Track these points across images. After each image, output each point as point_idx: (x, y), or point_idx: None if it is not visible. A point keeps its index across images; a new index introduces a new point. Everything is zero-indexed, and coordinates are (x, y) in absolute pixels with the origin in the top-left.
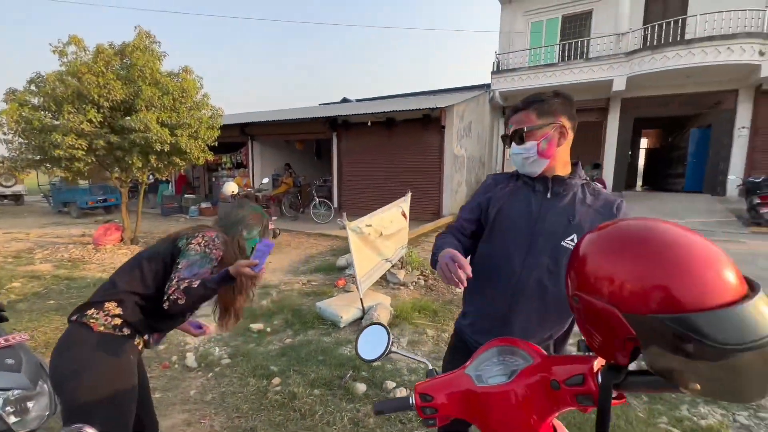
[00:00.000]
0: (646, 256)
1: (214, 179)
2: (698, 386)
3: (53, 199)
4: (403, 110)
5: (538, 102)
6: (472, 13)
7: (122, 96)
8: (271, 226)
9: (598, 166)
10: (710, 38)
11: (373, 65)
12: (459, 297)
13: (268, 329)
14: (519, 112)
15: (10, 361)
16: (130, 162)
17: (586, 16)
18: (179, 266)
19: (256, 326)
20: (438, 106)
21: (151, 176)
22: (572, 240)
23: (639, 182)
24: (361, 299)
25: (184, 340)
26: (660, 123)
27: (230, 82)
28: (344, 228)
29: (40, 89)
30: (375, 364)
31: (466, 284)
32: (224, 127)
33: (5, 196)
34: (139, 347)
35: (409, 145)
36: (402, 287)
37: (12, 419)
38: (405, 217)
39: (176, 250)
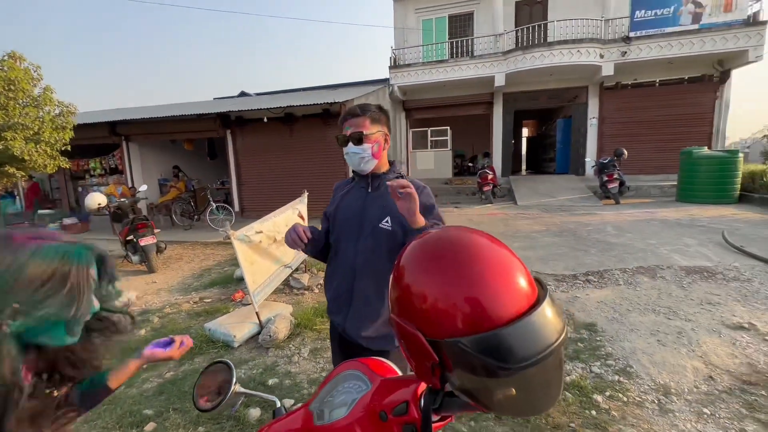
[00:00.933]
0: (436, 278)
1: (81, 189)
2: (503, 405)
3: None
4: (301, 105)
5: (371, 111)
6: (369, 7)
7: None
8: (151, 240)
9: (488, 154)
10: (565, 41)
11: (274, 58)
12: None
13: (145, 366)
14: (356, 117)
15: None
16: None
17: (469, 16)
18: None
19: None
20: (337, 101)
21: None
22: (387, 222)
23: (524, 167)
24: (256, 313)
25: None
26: (536, 114)
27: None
28: (228, 238)
29: None
30: (272, 383)
31: (304, 246)
32: (89, 127)
33: None
34: None
35: (310, 141)
36: (306, 291)
37: None
38: (303, 219)
39: None
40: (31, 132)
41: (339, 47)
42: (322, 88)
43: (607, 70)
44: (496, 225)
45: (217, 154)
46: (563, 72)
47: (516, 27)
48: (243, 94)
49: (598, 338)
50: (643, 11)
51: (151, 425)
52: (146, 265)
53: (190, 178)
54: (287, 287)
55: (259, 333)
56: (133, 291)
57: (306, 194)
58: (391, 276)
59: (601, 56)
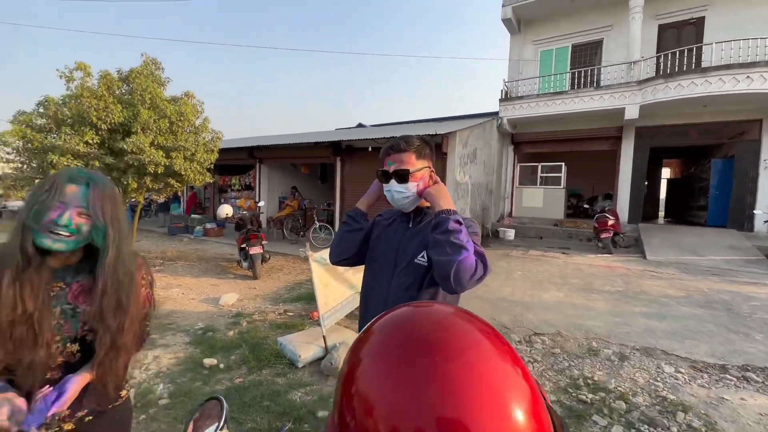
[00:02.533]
0: (385, 379)
1: (222, 200)
2: None
3: None
4: (403, 136)
5: (416, 145)
6: (483, 43)
7: (120, 119)
8: (258, 250)
9: (610, 196)
10: (727, 66)
11: (392, 92)
12: None
13: (221, 365)
14: (400, 153)
15: None
16: (125, 183)
17: (597, 44)
18: None
19: (210, 361)
20: (439, 133)
21: (149, 196)
22: (423, 257)
23: (661, 214)
24: (323, 336)
25: (128, 374)
26: (681, 153)
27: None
28: (306, 258)
29: (46, 111)
30: (321, 416)
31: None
32: (233, 151)
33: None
34: None
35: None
36: None
37: None
38: None
39: None
40: (189, 153)
41: (454, 82)
42: (430, 121)
43: None
44: (613, 281)
45: (327, 179)
46: (724, 102)
47: (658, 53)
48: (360, 125)
49: None
50: None
51: None
52: (252, 272)
53: (304, 198)
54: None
55: (323, 357)
56: (235, 293)
57: None
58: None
59: None
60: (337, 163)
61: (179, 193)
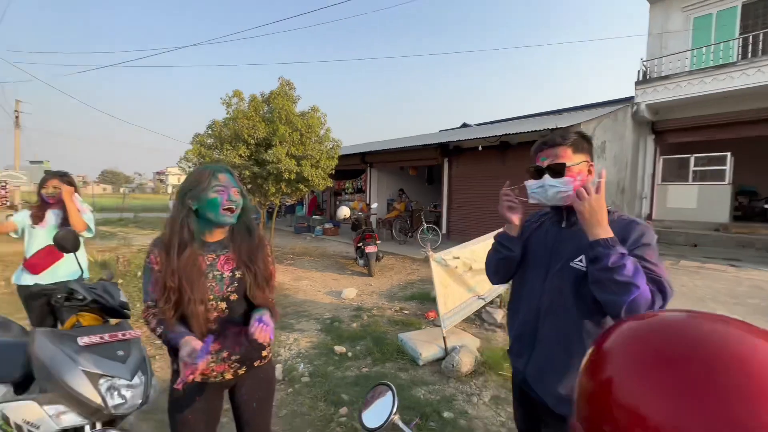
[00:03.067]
0: (667, 397)
1: (337, 203)
2: None
3: None
4: (517, 133)
5: (572, 139)
6: (605, 20)
7: (264, 134)
8: (373, 249)
9: None
10: None
11: (494, 89)
12: None
13: (350, 354)
14: (555, 147)
15: (120, 352)
16: (266, 188)
17: None
18: None
19: (339, 349)
20: (558, 126)
21: (284, 199)
22: (580, 261)
23: None
24: (443, 337)
25: (276, 351)
26: None
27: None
28: (427, 259)
29: (213, 132)
30: (447, 416)
31: (515, 203)
32: (347, 157)
33: None
34: (188, 380)
35: (524, 170)
36: (498, 329)
37: (111, 402)
38: None
39: None
40: (315, 160)
41: (571, 70)
42: (542, 115)
43: None
44: None
45: (434, 180)
46: None
47: None
48: (464, 125)
49: None
50: None
51: (344, 409)
52: (367, 269)
53: (410, 200)
54: (479, 319)
55: (443, 358)
56: (354, 288)
57: None
58: (584, 364)
59: None
60: (444, 164)
61: (303, 197)
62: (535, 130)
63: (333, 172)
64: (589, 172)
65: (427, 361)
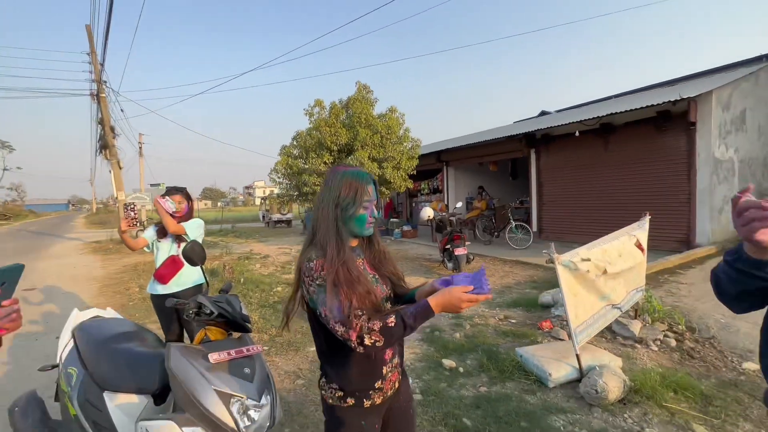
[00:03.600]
0: None
1: (414, 204)
2: None
3: (306, 223)
4: (625, 111)
5: None
6: None
7: (346, 140)
8: (463, 251)
9: None
10: None
11: (576, 71)
12: (752, 380)
13: (461, 369)
14: None
15: (247, 370)
16: None
17: None
18: (321, 314)
19: (449, 363)
20: (683, 96)
21: None
22: None
23: None
24: (577, 355)
25: None
26: None
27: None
28: (551, 261)
29: (298, 142)
30: None
31: None
32: (422, 156)
33: (282, 221)
34: (377, 403)
35: (635, 154)
36: (638, 345)
37: (243, 423)
38: (641, 250)
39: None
40: (395, 162)
41: (664, 36)
42: (649, 89)
43: None
44: None
45: (518, 174)
46: None
47: None
48: (543, 113)
49: None
50: None
51: None
52: (456, 272)
53: (492, 197)
54: (609, 332)
55: (578, 380)
56: None
57: (647, 218)
58: None
59: None
60: (531, 156)
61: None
62: (650, 105)
63: (414, 172)
64: None
65: (558, 383)
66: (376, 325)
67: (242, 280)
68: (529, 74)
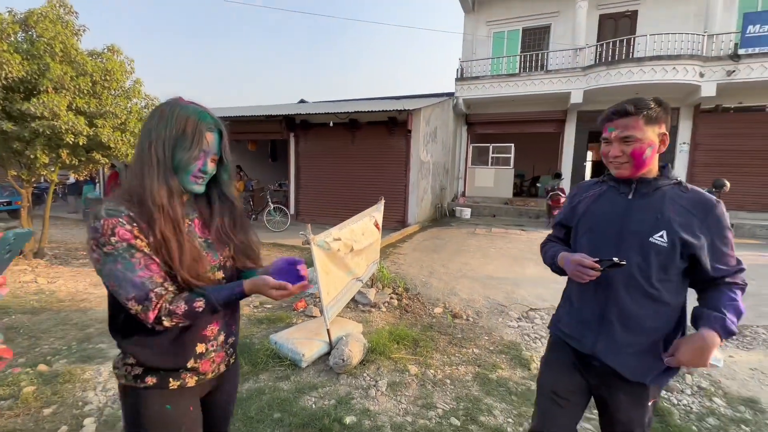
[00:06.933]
0: None
1: None
2: None
3: None
4: (368, 111)
5: (647, 109)
6: (434, 20)
7: (21, 74)
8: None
9: (559, 175)
10: (658, 57)
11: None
12: (439, 321)
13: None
14: (626, 117)
15: None
16: (32, 156)
17: (545, 30)
18: (109, 287)
19: None
20: (406, 109)
21: (65, 174)
22: (661, 236)
23: None
24: (327, 330)
25: (84, 398)
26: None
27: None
28: (308, 243)
29: None
30: (349, 422)
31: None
32: None
33: None
34: (188, 384)
35: (373, 149)
36: (373, 309)
37: None
38: (378, 229)
39: None
40: (119, 121)
41: (401, 60)
42: (382, 99)
43: (708, 90)
44: None
45: (278, 157)
46: (652, 91)
47: (598, 41)
48: (302, 101)
49: (767, 420)
50: (757, 26)
51: None
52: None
53: (250, 179)
54: (352, 302)
55: (328, 353)
56: None
57: (383, 201)
58: None
59: (701, 75)
60: (290, 140)
61: (94, 173)
62: (384, 110)
63: None
64: (662, 142)
65: (311, 361)
66: (180, 308)
67: None
68: (294, 62)
